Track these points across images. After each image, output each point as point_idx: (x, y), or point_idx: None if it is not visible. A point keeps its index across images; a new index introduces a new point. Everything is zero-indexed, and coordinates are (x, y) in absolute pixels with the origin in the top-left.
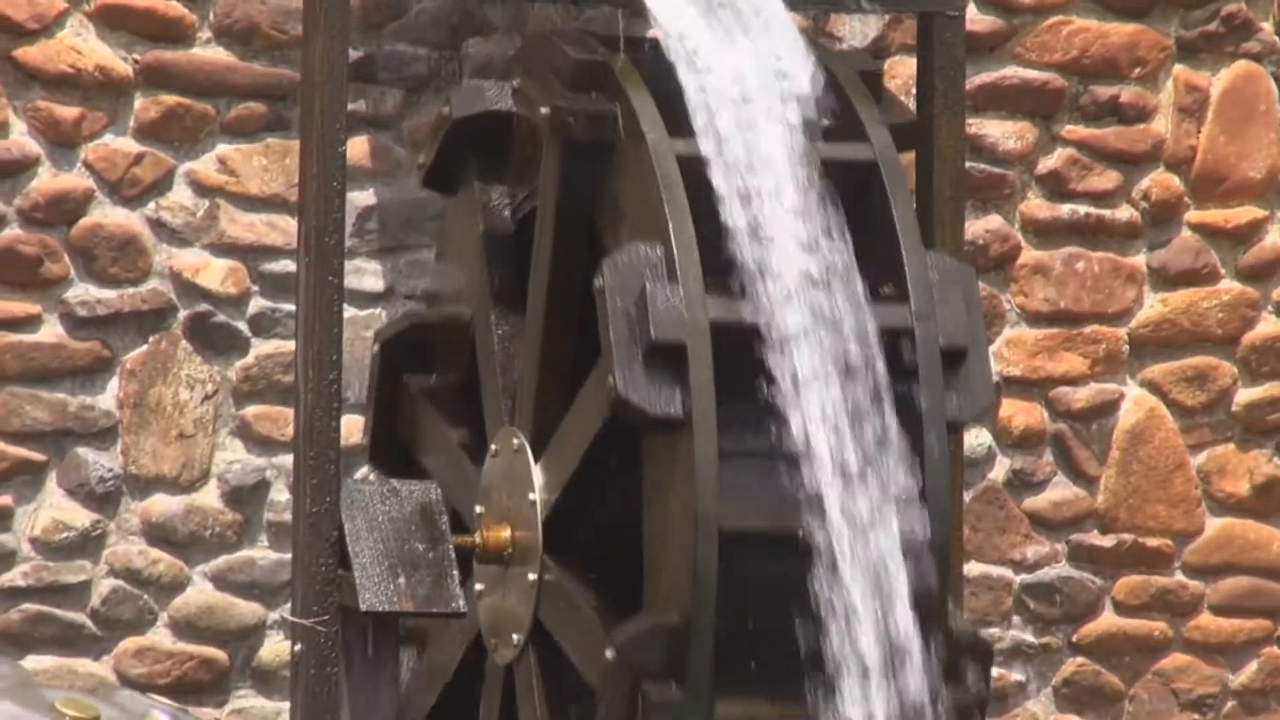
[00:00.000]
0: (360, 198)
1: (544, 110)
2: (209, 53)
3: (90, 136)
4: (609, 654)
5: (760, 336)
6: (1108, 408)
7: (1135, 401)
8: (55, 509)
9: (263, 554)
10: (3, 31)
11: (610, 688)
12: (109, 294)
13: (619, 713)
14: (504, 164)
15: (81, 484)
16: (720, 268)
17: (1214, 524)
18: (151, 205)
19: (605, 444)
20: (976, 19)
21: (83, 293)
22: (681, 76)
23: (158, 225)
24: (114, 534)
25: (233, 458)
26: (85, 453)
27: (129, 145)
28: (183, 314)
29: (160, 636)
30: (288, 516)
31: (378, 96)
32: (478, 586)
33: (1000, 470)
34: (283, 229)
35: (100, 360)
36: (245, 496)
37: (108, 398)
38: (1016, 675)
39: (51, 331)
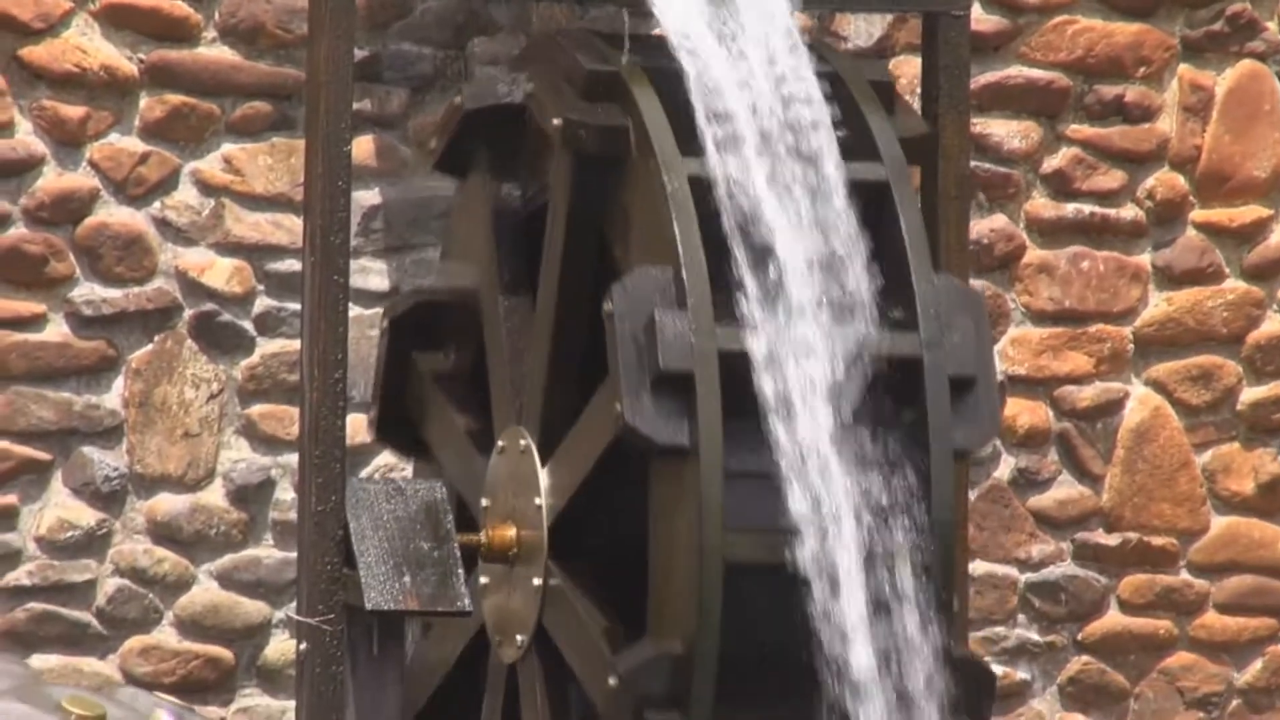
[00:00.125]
0: (365, 197)
1: (556, 122)
2: (214, 52)
3: (95, 136)
4: (612, 681)
5: (766, 363)
6: (1113, 406)
7: (1140, 400)
8: (61, 508)
9: (268, 553)
10: (8, 31)
11: (613, 715)
12: (114, 293)
13: None
14: (515, 155)
15: (87, 483)
16: (730, 287)
17: (1219, 523)
18: (157, 204)
19: (612, 456)
20: (981, 18)
21: (88, 292)
22: (693, 95)
23: (163, 224)
24: (119, 533)
25: (238, 457)
26: (90, 452)
27: (134, 144)
28: (188, 313)
29: (165, 635)
30: (293, 515)
31: (383, 96)
32: (482, 580)
33: (1005, 469)
34: (288, 228)
35: (105, 359)
36: (250, 495)
37: (113, 397)
38: (1022, 674)
39: (57, 331)
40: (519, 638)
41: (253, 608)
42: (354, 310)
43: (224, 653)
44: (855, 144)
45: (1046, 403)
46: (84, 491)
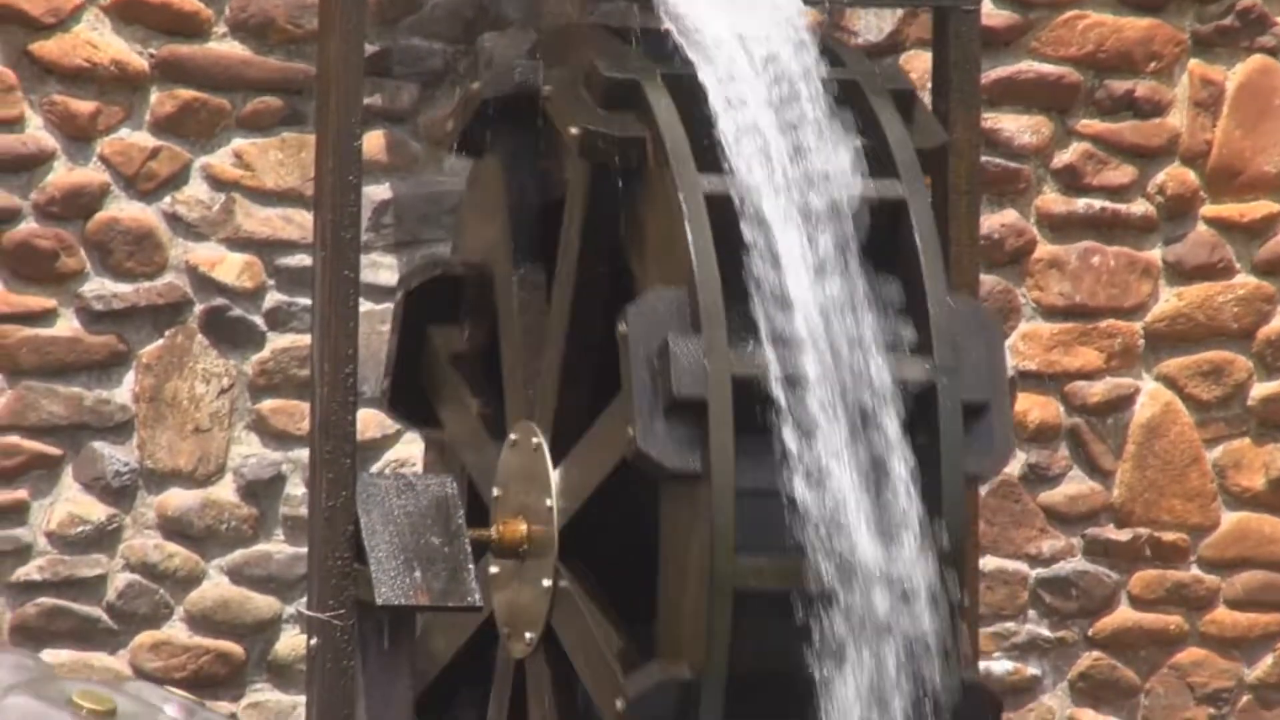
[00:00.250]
0: (376, 192)
1: (574, 131)
2: (225, 47)
3: (106, 131)
4: (619, 704)
5: (781, 388)
6: (1123, 402)
7: (1151, 396)
8: (71, 503)
9: (279, 548)
10: (19, 26)
11: None
12: (125, 288)
13: None
14: (532, 143)
15: (97, 478)
16: (745, 308)
17: (1229, 518)
18: (167, 199)
19: (624, 469)
20: (992, 13)
21: (99, 287)
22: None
23: (174, 219)
24: (130, 528)
25: (248, 452)
26: (101, 447)
27: (145, 139)
28: (199, 308)
29: (176, 630)
30: (303, 510)
31: (393, 91)
32: (492, 569)
33: (1016, 464)
34: (299, 223)
35: (116, 354)
36: (261, 490)
37: (124, 392)
38: (1032, 669)
39: (67, 325)
40: (528, 635)
41: (263, 603)
42: (364, 305)
43: (235, 648)
44: (872, 158)
45: (1057, 398)
46: (94, 486)
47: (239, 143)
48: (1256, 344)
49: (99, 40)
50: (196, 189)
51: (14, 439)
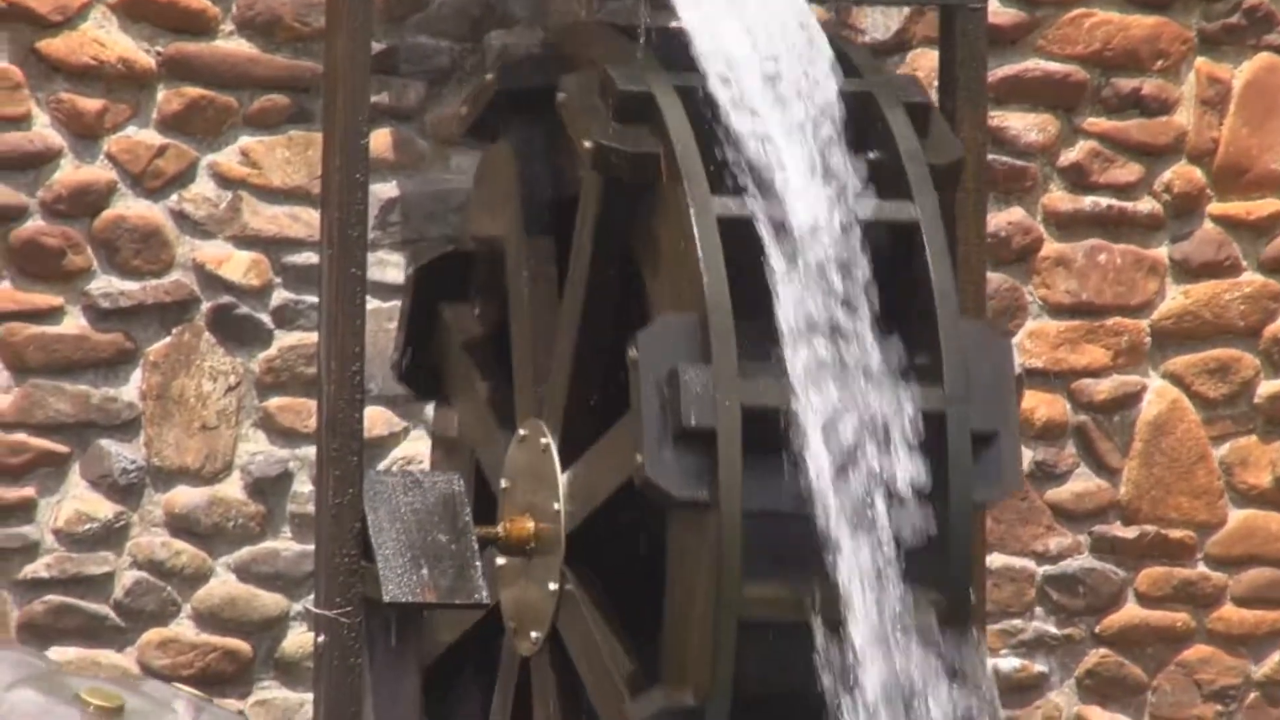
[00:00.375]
0: (383, 190)
1: (587, 144)
2: (231, 45)
3: (113, 128)
4: None
5: (790, 419)
6: (1130, 399)
7: (1157, 393)
8: (78, 500)
9: (286, 545)
10: (26, 24)
11: None
12: (132, 286)
13: None
14: (545, 133)
15: (104, 475)
16: (757, 333)
17: (1236, 516)
18: (174, 197)
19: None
20: (998, 11)
21: (105, 285)
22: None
23: (180, 217)
24: (137, 525)
25: (255, 449)
26: (108, 444)
27: (152, 137)
28: (205, 306)
29: (183, 628)
30: (310, 508)
31: (400, 89)
32: (499, 560)
33: (1023, 462)
34: (305, 221)
35: (123, 352)
36: (268, 488)
37: (130, 389)
38: (1039, 666)
39: (74, 323)
40: (534, 634)
41: (270, 600)
42: (371, 303)
43: (242, 645)
44: (886, 178)
45: (1064, 395)
46: (102, 484)
47: (246, 141)
48: (1263, 341)
49: (106, 38)
50: (203, 187)
51: (21, 437)
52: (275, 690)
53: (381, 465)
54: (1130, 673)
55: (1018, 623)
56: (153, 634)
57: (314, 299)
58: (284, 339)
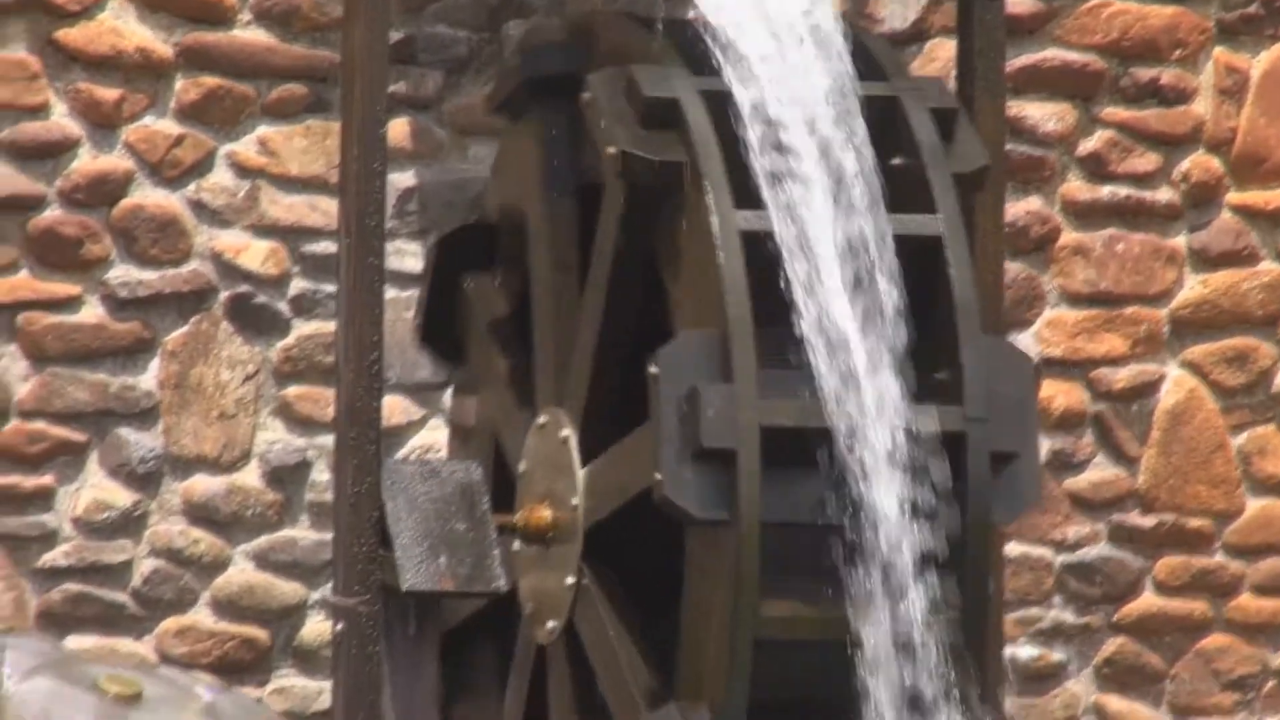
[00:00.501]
0: (401, 179)
1: (611, 150)
2: (249, 34)
3: (131, 118)
4: None
5: (811, 434)
6: (1148, 388)
7: (1175, 382)
8: (97, 489)
9: (304, 534)
10: (44, 13)
11: None
12: (150, 275)
13: None
14: (569, 120)
15: (123, 464)
16: (777, 342)
17: (1254, 504)
18: (192, 186)
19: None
20: (1017, 1)
21: (124, 274)
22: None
23: (198, 206)
24: (155, 514)
25: (274, 438)
26: (126, 433)
27: (170, 127)
28: (223, 295)
29: (201, 616)
30: (329, 496)
31: (418, 78)
32: (515, 544)
33: (1041, 451)
34: (323, 210)
35: (141, 341)
36: (286, 476)
37: (149, 378)
38: (1058, 655)
39: (92, 312)
40: (550, 623)
41: (289, 589)
42: (389, 292)
43: (260, 634)
44: (909, 188)
45: (1082, 385)
46: (120, 473)
47: (264, 130)
48: None
49: (124, 28)
50: (221, 176)
51: (40, 425)
52: (293, 678)
53: (399, 454)
54: (1148, 661)
55: (1036, 611)
56: (171, 622)
57: (332, 288)
58: (302, 328)
